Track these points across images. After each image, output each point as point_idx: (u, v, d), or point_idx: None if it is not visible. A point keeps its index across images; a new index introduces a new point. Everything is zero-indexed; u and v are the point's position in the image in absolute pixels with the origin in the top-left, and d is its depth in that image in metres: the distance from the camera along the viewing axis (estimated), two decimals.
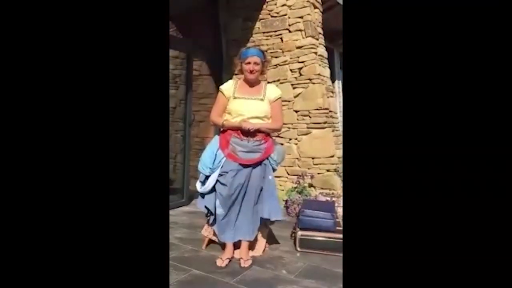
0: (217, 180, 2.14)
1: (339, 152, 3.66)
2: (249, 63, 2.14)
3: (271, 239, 2.53)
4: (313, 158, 3.70)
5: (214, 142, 2.21)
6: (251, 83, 2.20)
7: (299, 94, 3.84)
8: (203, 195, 2.22)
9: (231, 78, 2.39)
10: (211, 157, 2.15)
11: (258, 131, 2.11)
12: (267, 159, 2.19)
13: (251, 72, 2.14)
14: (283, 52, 3.97)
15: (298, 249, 2.38)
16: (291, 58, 3.91)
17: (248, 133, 2.10)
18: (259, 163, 2.16)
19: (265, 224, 2.29)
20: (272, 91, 2.23)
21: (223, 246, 2.26)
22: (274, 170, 2.28)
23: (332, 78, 4.14)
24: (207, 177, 2.17)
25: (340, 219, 2.59)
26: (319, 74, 3.76)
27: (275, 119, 2.20)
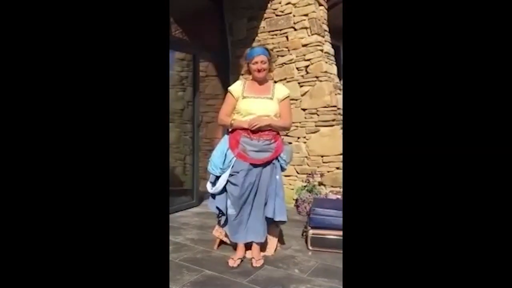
0: (228, 181, 2.14)
1: None
2: (256, 62, 2.14)
3: (283, 238, 2.53)
4: (322, 156, 3.68)
5: (223, 142, 2.21)
6: (260, 82, 2.21)
7: (306, 92, 3.82)
8: (214, 196, 2.23)
9: (238, 79, 2.39)
10: (221, 158, 2.15)
11: (268, 128, 2.10)
12: (277, 158, 2.19)
13: (259, 71, 2.15)
14: (289, 50, 3.96)
15: (310, 247, 2.38)
16: (297, 57, 3.90)
17: (258, 130, 2.09)
18: (269, 163, 2.16)
19: (275, 224, 2.29)
20: (281, 90, 2.23)
21: (234, 246, 2.26)
22: (283, 169, 2.27)
23: (339, 75, 4.11)
24: (217, 177, 2.17)
25: None
26: (326, 72, 3.74)
27: (284, 118, 2.19)
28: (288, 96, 2.24)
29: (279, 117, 2.18)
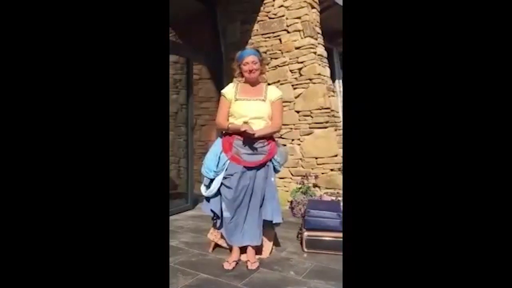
0: (222, 183, 2.14)
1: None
2: (247, 63, 2.15)
3: (278, 241, 2.53)
4: (316, 158, 3.70)
5: (217, 145, 2.21)
6: (252, 84, 2.21)
7: (300, 94, 3.84)
8: (208, 198, 2.22)
9: (231, 81, 2.39)
10: (215, 160, 2.14)
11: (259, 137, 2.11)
12: (271, 160, 2.19)
13: (250, 72, 2.15)
14: (282, 53, 3.98)
15: (305, 249, 2.37)
16: (290, 59, 3.92)
17: (249, 138, 2.09)
18: (262, 165, 2.16)
19: (271, 226, 2.29)
20: (273, 92, 2.23)
21: (229, 249, 2.25)
22: (277, 171, 2.27)
23: (332, 78, 4.14)
24: (211, 180, 2.17)
25: None
26: (319, 74, 3.76)
27: (273, 119, 2.19)
28: (281, 98, 2.24)
29: (271, 118, 2.19)
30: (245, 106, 2.14)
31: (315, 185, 3.59)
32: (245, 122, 2.08)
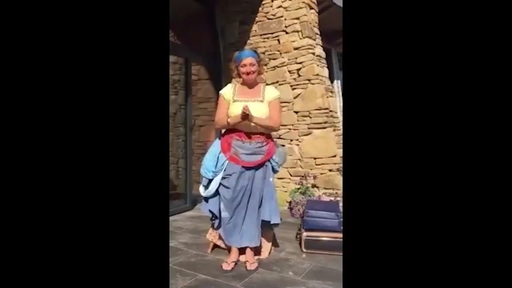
0: (220, 183, 2.14)
1: (341, 152, 3.66)
2: (244, 65, 2.13)
3: (276, 241, 2.53)
4: (315, 159, 3.70)
5: (216, 145, 2.21)
6: (250, 85, 2.20)
7: (298, 95, 3.84)
8: (206, 199, 2.22)
9: (230, 82, 2.39)
10: (213, 161, 2.14)
11: (259, 132, 2.11)
12: (269, 161, 2.19)
13: (248, 74, 2.14)
14: (280, 53, 3.98)
15: (304, 250, 2.38)
16: (289, 60, 3.92)
17: (250, 134, 2.09)
18: (261, 165, 2.16)
19: (269, 227, 2.29)
20: (271, 92, 2.22)
21: (228, 250, 2.25)
22: (276, 172, 2.27)
23: (331, 78, 4.15)
24: (210, 181, 2.16)
25: None
26: (317, 75, 3.77)
27: (271, 118, 2.17)
28: (278, 98, 2.22)
29: (270, 119, 2.18)
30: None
31: (313, 186, 3.59)
32: (243, 121, 2.07)
